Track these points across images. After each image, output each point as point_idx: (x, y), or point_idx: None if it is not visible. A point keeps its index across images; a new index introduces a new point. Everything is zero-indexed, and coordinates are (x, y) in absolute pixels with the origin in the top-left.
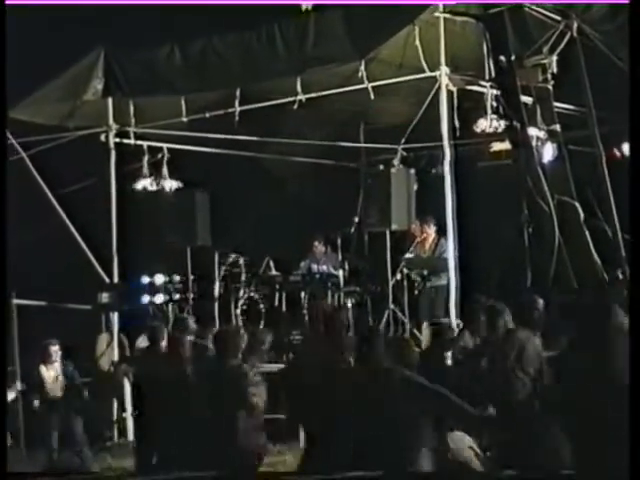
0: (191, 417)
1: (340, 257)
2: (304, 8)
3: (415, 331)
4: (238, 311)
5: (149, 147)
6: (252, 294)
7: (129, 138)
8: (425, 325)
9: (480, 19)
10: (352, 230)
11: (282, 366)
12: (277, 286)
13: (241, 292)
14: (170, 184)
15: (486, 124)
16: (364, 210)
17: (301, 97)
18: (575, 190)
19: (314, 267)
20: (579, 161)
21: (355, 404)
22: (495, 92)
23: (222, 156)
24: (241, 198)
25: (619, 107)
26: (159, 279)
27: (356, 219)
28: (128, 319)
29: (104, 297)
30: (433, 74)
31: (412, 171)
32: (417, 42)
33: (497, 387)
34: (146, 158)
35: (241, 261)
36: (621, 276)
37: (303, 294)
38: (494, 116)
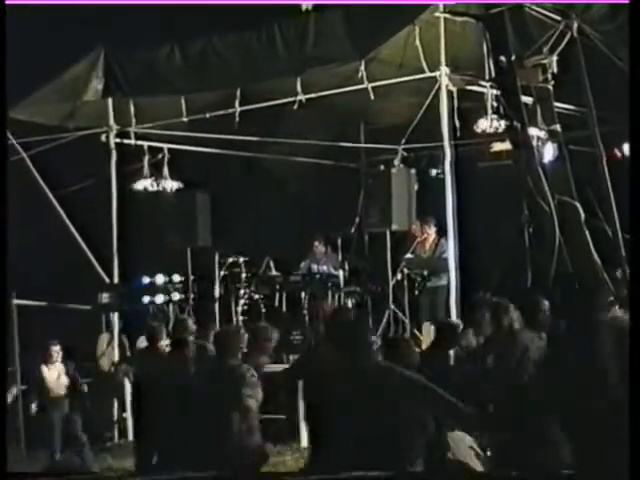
0: (187, 417)
1: (340, 257)
2: (304, 8)
3: (415, 331)
4: (239, 310)
5: (149, 147)
6: (252, 294)
7: (129, 138)
8: (426, 325)
9: (480, 19)
10: (352, 230)
11: (286, 366)
12: (277, 286)
13: (241, 292)
14: (170, 184)
15: (486, 124)
16: (364, 210)
17: (301, 97)
18: (575, 190)
19: (314, 267)
20: (579, 161)
21: (352, 403)
22: (495, 92)
23: (222, 156)
24: (241, 198)
25: (619, 107)
26: (159, 279)
27: (356, 219)
28: (128, 319)
29: (104, 297)
30: (433, 74)
31: (413, 171)
32: (417, 42)
33: (501, 386)
34: (146, 158)
35: (241, 261)
36: (620, 276)
37: (303, 294)
38: (494, 116)
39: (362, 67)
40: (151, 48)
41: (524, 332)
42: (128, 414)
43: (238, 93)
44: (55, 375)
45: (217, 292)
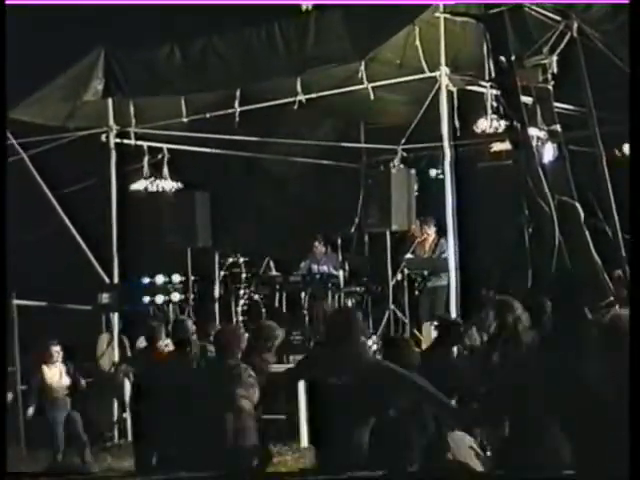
0: (182, 418)
1: (340, 257)
2: (304, 8)
3: (415, 331)
4: (239, 311)
5: (149, 147)
6: (252, 294)
7: (129, 138)
8: (426, 325)
9: (480, 19)
10: (352, 230)
11: (287, 366)
12: (277, 286)
13: (241, 292)
14: (170, 184)
15: (486, 124)
16: (364, 210)
17: (301, 97)
18: (575, 190)
19: (314, 267)
20: (579, 161)
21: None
22: (495, 92)
23: (222, 156)
24: (241, 198)
25: (619, 107)
26: (159, 280)
27: (356, 219)
28: (128, 319)
29: (104, 297)
30: (433, 74)
31: (412, 171)
32: (417, 42)
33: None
34: (146, 158)
35: (241, 261)
36: (620, 276)
37: (303, 294)
38: (494, 116)
39: (362, 67)
40: (151, 48)
41: (529, 331)
42: (128, 414)
43: (238, 93)
44: (55, 375)
45: (217, 292)
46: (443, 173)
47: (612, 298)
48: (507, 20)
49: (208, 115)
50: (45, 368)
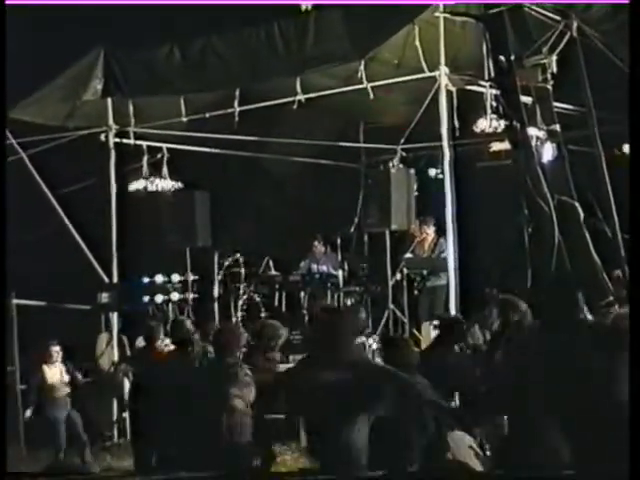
0: (179, 417)
1: (340, 257)
2: (304, 8)
3: (415, 331)
4: (239, 310)
5: (149, 147)
6: (252, 294)
7: (129, 138)
8: (425, 325)
9: (480, 19)
10: (352, 230)
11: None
12: (277, 286)
13: (241, 292)
14: (170, 184)
15: (486, 124)
16: (364, 210)
17: (300, 97)
18: (575, 190)
19: (314, 267)
20: (579, 161)
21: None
22: (494, 92)
23: (222, 156)
24: (241, 198)
25: (619, 107)
26: (159, 279)
27: (356, 219)
28: (128, 319)
29: (104, 297)
30: (433, 74)
31: (412, 171)
32: (417, 42)
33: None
34: (145, 158)
35: (241, 261)
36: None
37: (303, 294)
38: (493, 116)
39: (361, 67)
40: (150, 48)
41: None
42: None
43: (237, 93)
44: (56, 375)
45: (216, 292)
46: (442, 173)
47: (612, 298)
48: (507, 20)
49: (207, 115)
50: (46, 368)
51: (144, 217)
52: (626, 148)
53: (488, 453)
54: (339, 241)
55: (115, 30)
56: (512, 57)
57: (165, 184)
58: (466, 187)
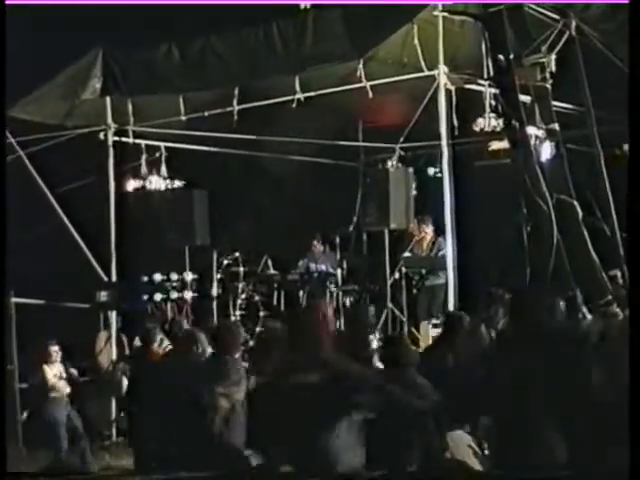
0: (168, 417)
1: (338, 256)
2: (302, 7)
3: (413, 330)
4: (237, 310)
5: (147, 146)
6: (250, 293)
7: (128, 137)
8: (424, 323)
9: (479, 18)
10: (351, 229)
11: None
12: (275, 285)
13: (239, 290)
14: (168, 183)
15: (484, 123)
16: (362, 209)
17: (299, 96)
18: (573, 189)
19: (312, 266)
20: (577, 160)
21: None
22: (493, 91)
23: (220, 155)
24: (239, 197)
25: (617, 106)
26: (157, 278)
27: (355, 218)
28: (127, 317)
29: (102, 295)
30: (432, 73)
31: (410, 170)
32: (416, 41)
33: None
34: (144, 157)
35: (240, 260)
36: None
37: (301, 293)
38: (492, 115)
39: (360, 66)
40: (149, 47)
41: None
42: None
43: (236, 92)
44: (55, 374)
45: (215, 290)
46: (441, 172)
47: (610, 297)
48: (506, 19)
49: (206, 113)
50: (46, 368)
51: (143, 216)
52: (626, 147)
53: (487, 452)
54: (338, 240)
55: (114, 30)
56: (511, 56)
57: (164, 183)
58: (465, 186)
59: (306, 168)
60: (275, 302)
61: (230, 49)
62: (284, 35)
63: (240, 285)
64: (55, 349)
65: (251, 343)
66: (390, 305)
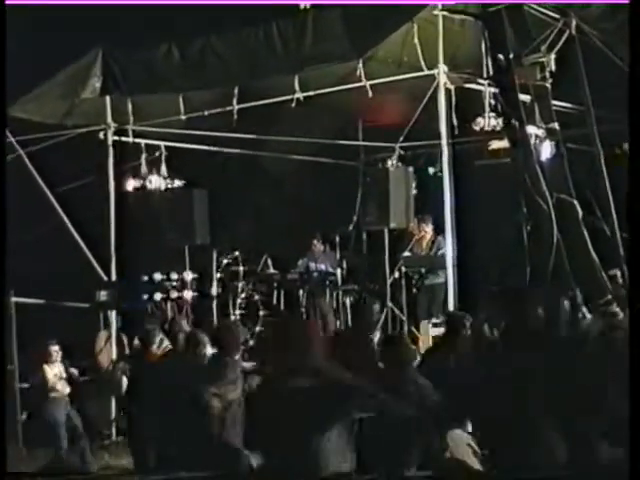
0: (165, 417)
1: (338, 255)
2: (302, 7)
3: (413, 329)
4: (237, 309)
5: (147, 145)
6: (250, 292)
7: (127, 136)
8: (424, 323)
9: (478, 17)
10: (350, 228)
11: None
12: (275, 284)
13: (239, 290)
14: (168, 182)
15: (484, 122)
16: (362, 208)
17: (299, 95)
18: (573, 188)
19: (312, 265)
20: (577, 159)
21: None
22: (493, 90)
23: (220, 154)
24: (239, 196)
25: (617, 105)
26: (157, 277)
27: (354, 217)
28: (127, 317)
29: (102, 295)
30: (431, 72)
31: (410, 169)
32: (415, 40)
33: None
34: (144, 156)
35: (239, 259)
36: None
37: (301, 292)
38: (492, 114)
39: (360, 65)
40: (149, 47)
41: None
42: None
43: (236, 91)
44: (55, 374)
45: (215, 290)
46: (441, 171)
47: (610, 296)
48: (505, 18)
49: (206, 113)
50: (47, 368)
51: (143, 215)
52: (626, 146)
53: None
54: (338, 239)
55: (114, 30)
56: (511, 55)
57: (163, 182)
58: (465, 185)
59: (306, 167)
60: (275, 301)
61: (230, 49)
62: (284, 35)
63: (240, 284)
64: (55, 349)
65: (251, 343)
66: (390, 304)
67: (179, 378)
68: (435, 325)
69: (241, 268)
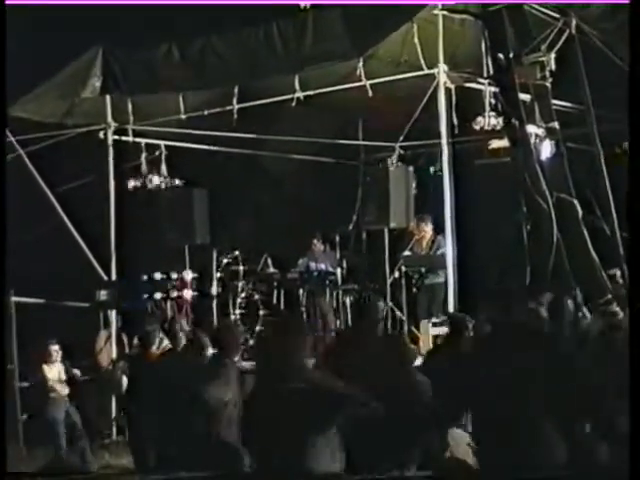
0: (164, 417)
1: (338, 255)
2: (302, 6)
3: (413, 329)
4: (237, 309)
5: (147, 145)
6: (250, 292)
7: (127, 136)
8: (424, 322)
9: (479, 17)
10: (350, 228)
11: None
12: (275, 284)
13: (239, 289)
14: (168, 181)
15: (484, 121)
16: (362, 208)
17: (299, 95)
18: (573, 188)
19: (312, 265)
20: (577, 159)
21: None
22: (493, 89)
23: (220, 153)
24: (239, 196)
25: (617, 105)
26: (157, 277)
27: (354, 217)
28: (127, 316)
29: (102, 294)
30: (431, 71)
31: (410, 169)
32: (415, 40)
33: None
34: (144, 155)
35: (239, 258)
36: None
37: (301, 292)
38: (492, 114)
39: (360, 64)
40: (149, 47)
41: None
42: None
43: (236, 91)
44: (55, 374)
45: (215, 289)
46: (441, 170)
47: (610, 296)
48: (505, 17)
49: (206, 112)
50: (46, 367)
51: (143, 214)
52: (626, 146)
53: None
54: (338, 239)
55: (114, 30)
56: (511, 55)
57: (163, 181)
58: (465, 185)
59: (306, 167)
60: (275, 301)
61: (230, 49)
62: (284, 35)
63: (240, 284)
64: (55, 348)
65: (251, 342)
66: (390, 304)
67: (179, 378)
68: (435, 325)
69: (241, 267)
